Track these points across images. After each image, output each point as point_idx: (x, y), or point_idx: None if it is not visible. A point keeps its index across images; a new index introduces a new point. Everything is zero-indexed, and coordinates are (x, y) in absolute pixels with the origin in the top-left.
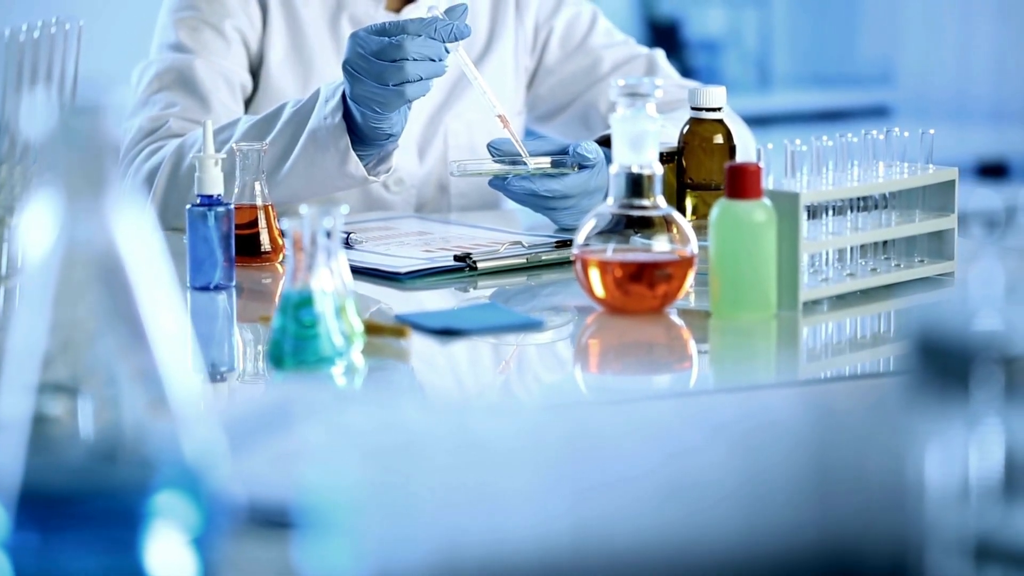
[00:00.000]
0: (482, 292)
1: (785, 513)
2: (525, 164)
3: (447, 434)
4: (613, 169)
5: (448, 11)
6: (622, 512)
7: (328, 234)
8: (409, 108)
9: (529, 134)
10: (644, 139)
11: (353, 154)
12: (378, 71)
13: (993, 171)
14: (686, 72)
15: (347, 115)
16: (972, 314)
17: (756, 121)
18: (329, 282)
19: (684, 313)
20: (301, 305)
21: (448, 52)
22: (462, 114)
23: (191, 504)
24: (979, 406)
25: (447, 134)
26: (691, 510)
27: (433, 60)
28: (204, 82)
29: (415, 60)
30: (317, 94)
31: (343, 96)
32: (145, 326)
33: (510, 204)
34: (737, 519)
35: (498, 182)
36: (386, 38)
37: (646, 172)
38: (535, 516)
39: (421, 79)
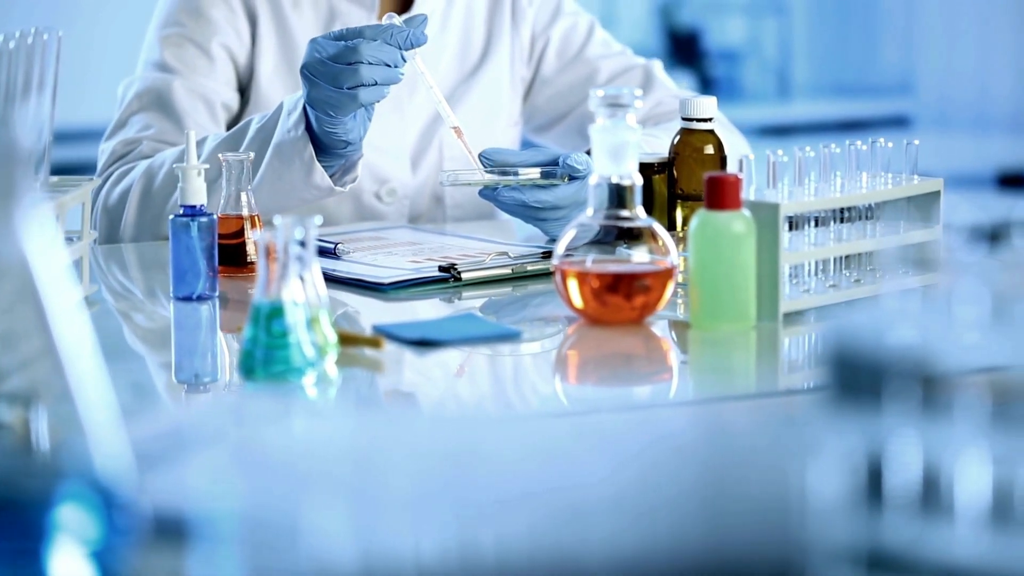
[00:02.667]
0: (468, 303)
1: (677, 528)
2: (515, 174)
3: (338, 445)
4: (593, 180)
5: (407, 20)
6: (509, 526)
7: (303, 244)
8: (370, 116)
9: (525, 144)
10: (624, 149)
11: (318, 164)
12: (333, 74)
13: (1012, 181)
14: (705, 82)
15: (309, 126)
16: (889, 329)
17: (776, 131)
18: (301, 293)
19: (665, 323)
20: (272, 316)
21: (405, 60)
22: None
23: (94, 517)
24: (891, 421)
25: (442, 145)
26: (581, 524)
27: (388, 65)
28: (181, 104)
29: (370, 64)
30: (280, 108)
31: (304, 107)
32: (59, 340)
33: (506, 215)
34: (628, 535)
35: (488, 192)
36: (343, 42)
37: (626, 183)
38: (421, 528)
39: (376, 83)
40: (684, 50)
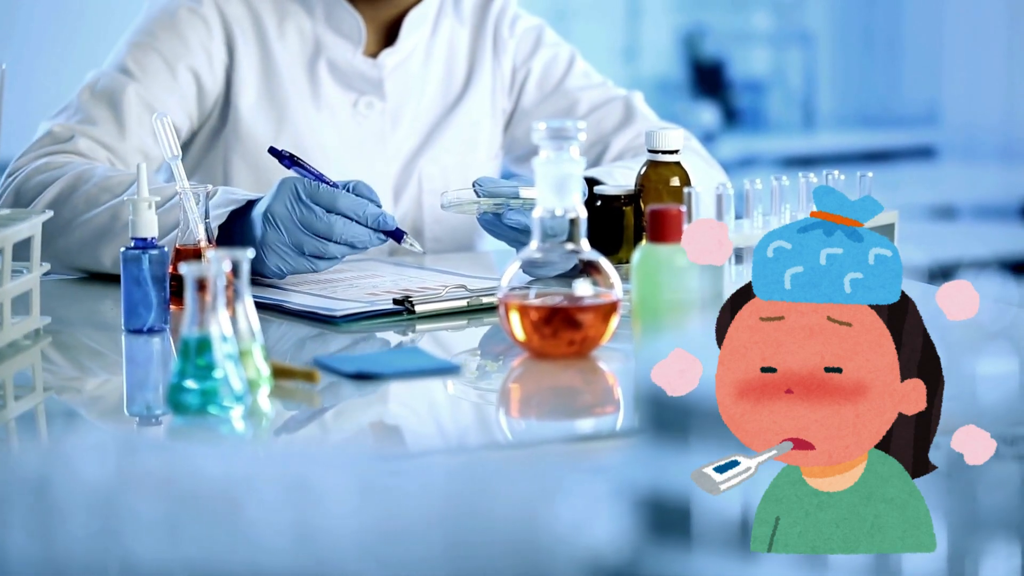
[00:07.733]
0: (422, 336)
1: (421, 563)
2: (517, 198)
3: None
4: (536, 212)
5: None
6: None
7: (236, 274)
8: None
9: (506, 175)
10: (568, 182)
11: None
12: (298, 240)
13: None
14: (730, 113)
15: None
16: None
17: (800, 162)
18: (229, 326)
19: (611, 356)
20: (200, 350)
21: (375, 241)
22: (437, 158)
23: None
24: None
25: (422, 178)
26: (328, 559)
27: (355, 246)
28: (129, 109)
29: (337, 244)
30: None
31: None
32: None
33: (483, 247)
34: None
35: (489, 217)
36: (317, 208)
37: (571, 215)
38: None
39: (336, 259)
40: (708, 81)
